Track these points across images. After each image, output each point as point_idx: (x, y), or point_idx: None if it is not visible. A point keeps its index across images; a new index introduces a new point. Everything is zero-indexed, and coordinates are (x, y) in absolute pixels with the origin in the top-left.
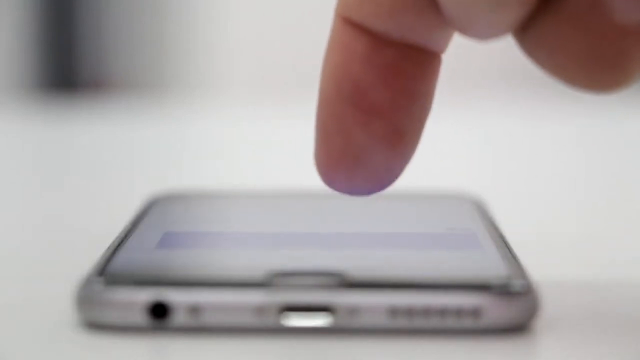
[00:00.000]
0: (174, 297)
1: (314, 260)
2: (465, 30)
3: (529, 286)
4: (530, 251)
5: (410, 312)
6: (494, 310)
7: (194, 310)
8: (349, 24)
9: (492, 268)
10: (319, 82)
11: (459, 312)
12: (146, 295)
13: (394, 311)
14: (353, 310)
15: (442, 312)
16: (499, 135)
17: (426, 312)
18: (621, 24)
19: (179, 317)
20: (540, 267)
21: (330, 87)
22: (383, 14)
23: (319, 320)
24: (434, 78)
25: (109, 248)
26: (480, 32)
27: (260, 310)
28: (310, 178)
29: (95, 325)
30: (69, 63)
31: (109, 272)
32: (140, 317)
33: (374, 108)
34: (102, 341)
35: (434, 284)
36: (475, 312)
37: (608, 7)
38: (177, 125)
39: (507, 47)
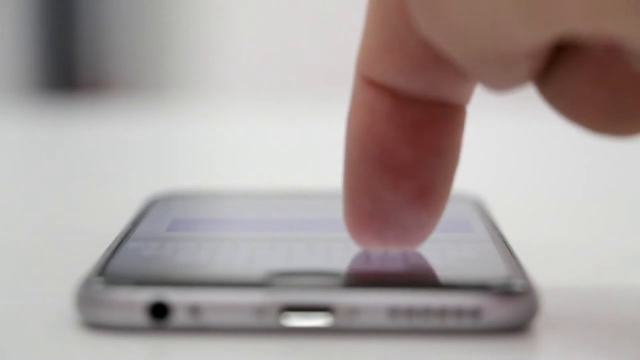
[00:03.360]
0: (174, 297)
1: (314, 260)
2: (484, 83)
3: (529, 286)
4: (530, 251)
5: (410, 312)
6: (494, 310)
7: (194, 310)
8: (370, 83)
9: (492, 268)
10: (344, 143)
11: (459, 312)
12: (146, 295)
13: (394, 311)
14: (353, 310)
15: (442, 312)
16: (499, 135)
17: (426, 312)
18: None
19: (179, 317)
20: (540, 267)
21: (355, 149)
22: (406, 72)
23: (319, 320)
24: (460, 132)
25: (109, 248)
26: (497, 85)
27: (260, 310)
28: (310, 178)
29: (95, 325)
30: (69, 63)
31: (109, 272)
32: (140, 317)
33: (401, 168)
34: (102, 341)
35: (434, 284)
36: (475, 312)
37: (625, 58)
38: (177, 125)
39: None
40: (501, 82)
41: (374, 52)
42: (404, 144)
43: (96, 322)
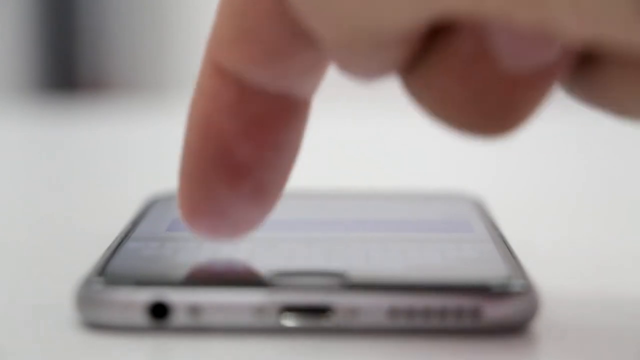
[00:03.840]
0: (174, 297)
1: (314, 260)
2: (348, 70)
3: (529, 286)
4: (530, 251)
5: (410, 312)
6: (494, 310)
7: (194, 310)
8: (218, 71)
9: (492, 268)
10: (184, 130)
11: (458, 312)
12: (146, 295)
13: (394, 311)
14: (353, 310)
15: (442, 312)
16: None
17: (426, 312)
18: (506, 73)
19: (179, 317)
20: (540, 267)
21: (195, 139)
22: (255, 61)
23: (319, 320)
24: (302, 127)
25: (109, 248)
26: (362, 72)
27: (260, 310)
28: (309, 178)
29: (95, 325)
30: (69, 63)
31: (109, 272)
32: (140, 317)
33: (238, 166)
34: (102, 341)
35: (434, 284)
36: (475, 312)
37: (493, 56)
38: (177, 125)
39: None
40: (366, 68)
41: (227, 38)
42: (244, 139)
43: (96, 322)
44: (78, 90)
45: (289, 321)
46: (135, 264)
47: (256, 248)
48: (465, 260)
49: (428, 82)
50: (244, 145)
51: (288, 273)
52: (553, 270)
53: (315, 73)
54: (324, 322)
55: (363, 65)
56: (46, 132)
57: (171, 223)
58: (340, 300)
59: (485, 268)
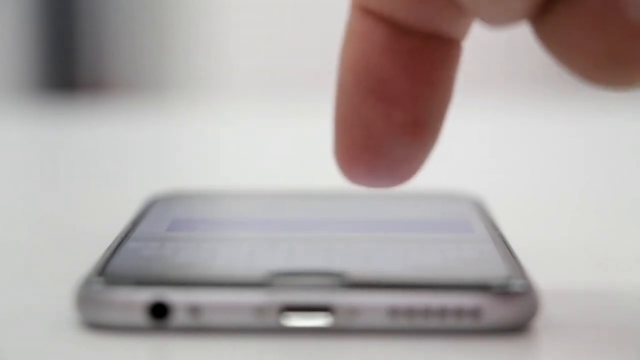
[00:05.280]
0: (174, 297)
1: (314, 260)
2: (479, 16)
3: (529, 286)
4: (530, 251)
5: (410, 312)
6: (494, 310)
7: (194, 310)
8: (366, 13)
9: (492, 268)
10: (337, 73)
11: (459, 312)
12: (146, 295)
13: (394, 311)
14: (353, 310)
15: (442, 312)
16: (499, 135)
17: (426, 312)
18: (635, 25)
19: (179, 317)
20: (540, 267)
21: (348, 79)
22: (402, 2)
23: (319, 320)
24: (454, 66)
25: (109, 248)
26: (493, 18)
27: (260, 310)
28: (310, 178)
29: (95, 325)
30: (69, 63)
31: (109, 272)
32: (140, 317)
33: (394, 98)
34: (102, 341)
35: (434, 284)
36: (475, 312)
37: (623, 6)
38: (177, 125)
39: (507, 47)
40: (496, 16)
41: None
42: (399, 74)
43: (96, 322)
44: (78, 90)
45: (289, 321)
46: (135, 264)
47: (256, 248)
48: (465, 260)
49: (558, 31)
50: (397, 78)
51: (288, 273)
52: (553, 270)
53: (461, 17)
54: (324, 322)
55: (492, 12)
56: (46, 132)
57: (171, 223)
58: (340, 300)
59: (485, 268)
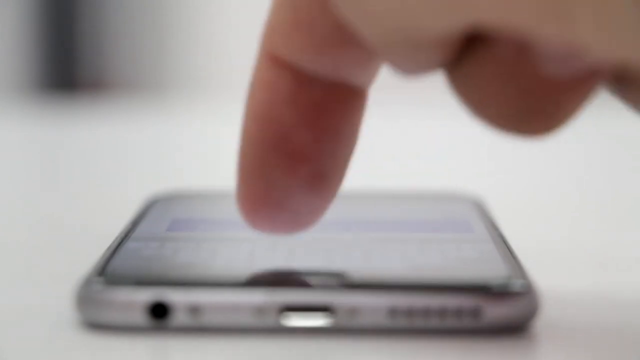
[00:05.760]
0: (174, 297)
1: (314, 260)
2: (393, 66)
3: (529, 286)
4: (530, 251)
5: (410, 312)
6: (494, 310)
7: (194, 310)
8: (274, 61)
9: (492, 268)
10: (241, 122)
11: (458, 312)
12: (146, 295)
13: (394, 311)
14: (353, 310)
15: (442, 312)
16: (499, 135)
17: (426, 312)
18: (548, 76)
19: (179, 317)
20: (540, 267)
21: (252, 129)
22: (312, 50)
23: (319, 320)
24: (359, 116)
25: (109, 248)
26: (406, 69)
27: (260, 310)
28: None
29: (95, 325)
30: (69, 63)
31: (109, 272)
32: (140, 317)
33: (297, 152)
34: (102, 341)
35: (434, 284)
36: (475, 312)
37: (534, 59)
38: (177, 126)
39: None
40: (410, 66)
41: (282, 29)
42: (303, 126)
43: (96, 322)
44: (78, 90)
45: (289, 321)
46: (135, 264)
47: (256, 248)
48: (465, 260)
49: (470, 81)
50: (301, 132)
51: (288, 273)
52: (553, 270)
53: (369, 65)
54: (324, 322)
55: (404, 63)
56: (46, 132)
57: (171, 223)
58: (340, 300)
59: (485, 268)
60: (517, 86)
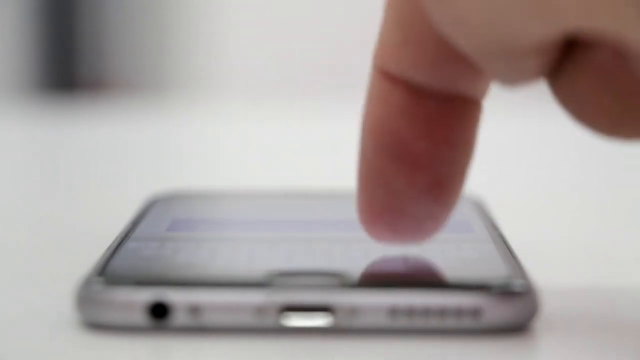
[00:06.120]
0: (174, 297)
1: (314, 260)
2: (495, 78)
3: (529, 286)
4: (530, 251)
5: (410, 312)
6: (494, 310)
7: (194, 310)
8: (386, 77)
9: (492, 268)
10: (360, 136)
11: (458, 312)
12: (146, 295)
13: (394, 311)
14: (353, 310)
15: (442, 312)
16: (499, 135)
17: (426, 312)
18: None
19: (179, 317)
20: (540, 267)
21: (370, 142)
22: (423, 66)
23: (319, 320)
24: (475, 125)
25: (109, 248)
26: (508, 80)
27: (260, 310)
28: (310, 178)
29: (95, 325)
30: (69, 63)
31: (109, 272)
32: (140, 317)
33: (415, 161)
34: (102, 341)
35: (434, 284)
36: (475, 312)
37: (632, 64)
38: (177, 126)
39: None
40: (511, 77)
41: (392, 46)
42: (419, 137)
43: (96, 322)
44: (78, 90)
45: (289, 321)
46: (135, 264)
47: (256, 248)
48: (465, 260)
49: (571, 88)
50: (418, 142)
51: (288, 273)
52: (553, 270)
53: (479, 77)
54: (324, 322)
55: (506, 73)
56: (46, 132)
57: (171, 223)
58: (341, 300)
59: (486, 268)
60: (615, 91)
